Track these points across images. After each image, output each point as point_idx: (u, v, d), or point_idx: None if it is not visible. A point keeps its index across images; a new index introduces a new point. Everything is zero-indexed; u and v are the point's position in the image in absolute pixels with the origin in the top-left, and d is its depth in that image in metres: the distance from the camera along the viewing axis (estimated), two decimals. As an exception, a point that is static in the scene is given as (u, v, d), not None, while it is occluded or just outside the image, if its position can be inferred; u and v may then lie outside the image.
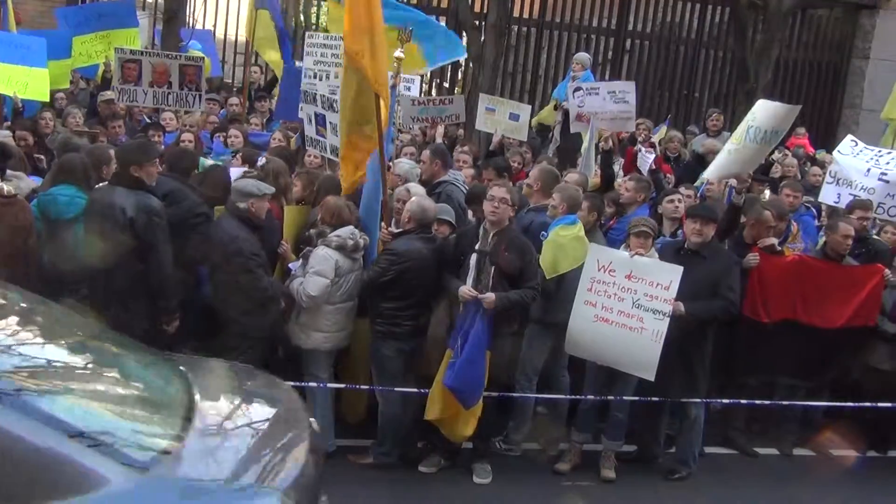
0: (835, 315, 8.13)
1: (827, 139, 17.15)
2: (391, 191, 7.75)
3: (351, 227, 7.22)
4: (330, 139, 9.62)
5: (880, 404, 8.11)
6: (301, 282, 7.04)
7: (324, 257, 7.05)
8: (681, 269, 7.09)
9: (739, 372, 8.19)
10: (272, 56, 12.70)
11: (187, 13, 13.83)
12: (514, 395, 7.46)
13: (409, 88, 10.21)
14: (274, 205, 7.75)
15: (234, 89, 14.35)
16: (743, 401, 8.04)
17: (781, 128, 8.10)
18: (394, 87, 8.19)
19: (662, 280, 7.06)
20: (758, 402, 8.13)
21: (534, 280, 6.95)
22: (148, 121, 11.07)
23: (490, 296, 6.76)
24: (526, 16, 18.17)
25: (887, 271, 8.21)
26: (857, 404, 8.26)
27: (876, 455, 8.66)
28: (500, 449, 7.70)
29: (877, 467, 8.45)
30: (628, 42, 18.26)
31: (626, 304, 7.12)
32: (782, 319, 8.05)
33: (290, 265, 7.24)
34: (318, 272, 7.02)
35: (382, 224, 7.48)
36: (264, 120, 12.28)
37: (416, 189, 7.79)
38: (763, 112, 8.09)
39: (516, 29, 17.91)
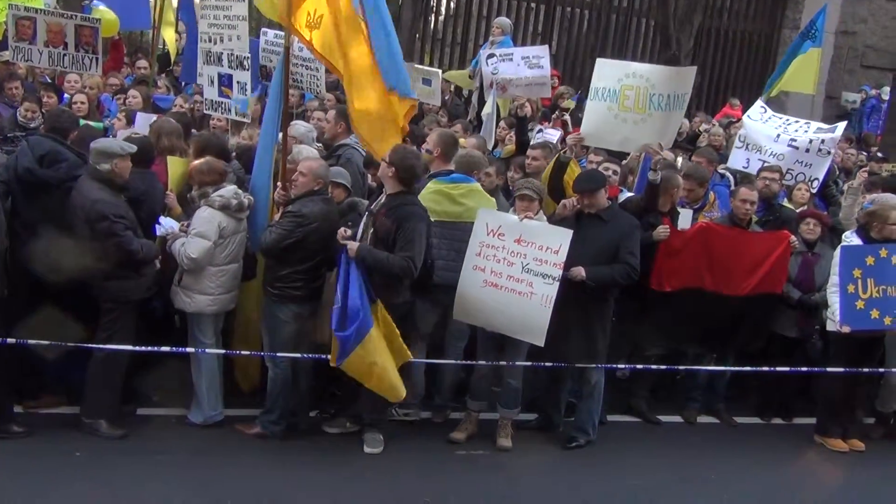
0: (741, 283, 8.06)
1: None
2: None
3: (234, 187, 7.00)
4: (237, 97, 9.37)
5: (779, 369, 8.11)
6: (183, 243, 6.82)
7: (207, 219, 6.85)
8: (570, 232, 6.94)
9: (646, 340, 8.11)
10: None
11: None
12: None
13: (301, 49, 9.91)
14: (160, 166, 7.51)
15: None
16: (639, 366, 7.97)
17: (682, 91, 7.96)
18: (288, 47, 7.91)
19: (552, 244, 6.90)
20: (654, 367, 8.05)
21: (408, 251, 6.64)
22: (49, 81, 10.65)
23: (353, 243, 6.59)
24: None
25: (793, 238, 8.15)
26: (756, 369, 8.24)
27: (781, 423, 8.64)
28: (396, 415, 7.54)
29: (781, 435, 8.43)
30: (559, 10, 18.05)
31: (515, 269, 6.95)
32: (688, 288, 7.95)
33: (160, 220, 6.94)
34: (200, 233, 6.82)
35: (278, 185, 7.23)
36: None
37: (310, 151, 7.56)
38: (658, 77, 7.95)
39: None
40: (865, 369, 7.96)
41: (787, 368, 8.06)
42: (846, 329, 7.71)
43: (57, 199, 6.62)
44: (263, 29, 11.55)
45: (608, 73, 8.08)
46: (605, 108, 8.01)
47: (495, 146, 10.81)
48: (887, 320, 7.63)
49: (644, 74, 8.02)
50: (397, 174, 6.78)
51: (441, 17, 19.08)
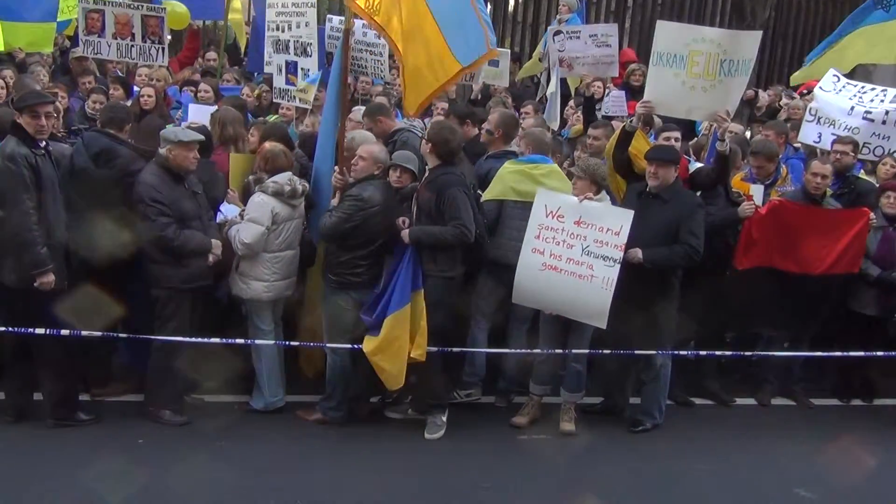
0: (817, 261, 7.80)
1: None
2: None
3: (289, 174, 7.03)
4: (300, 85, 9.43)
5: (852, 353, 7.73)
6: (237, 229, 6.88)
7: (259, 204, 6.90)
8: (631, 213, 6.78)
9: (720, 324, 7.89)
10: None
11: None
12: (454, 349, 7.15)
13: (365, 34, 9.90)
14: (223, 155, 7.59)
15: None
16: (702, 352, 7.72)
17: (749, 56, 7.66)
18: (348, 30, 7.91)
19: (613, 225, 6.75)
20: (717, 353, 7.81)
21: (457, 218, 6.62)
22: (121, 75, 10.88)
23: (405, 230, 6.66)
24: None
25: (872, 215, 7.83)
26: (829, 353, 7.90)
27: (861, 404, 8.33)
28: (459, 398, 7.48)
29: (861, 417, 8.13)
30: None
31: (575, 252, 6.81)
32: (761, 267, 7.71)
33: (220, 208, 7.02)
34: (253, 219, 6.87)
35: (336, 169, 7.23)
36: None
37: (366, 135, 7.54)
38: (730, 42, 7.65)
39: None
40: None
41: (861, 353, 7.69)
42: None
43: (115, 195, 6.71)
44: (329, 16, 11.60)
45: (673, 37, 7.74)
46: (671, 75, 7.69)
47: (563, 126, 10.66)
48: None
49: (715, 39, 7.69)
50: (435, 149, 6.81)
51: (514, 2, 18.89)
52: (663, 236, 7.04)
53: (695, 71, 7.63)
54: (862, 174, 8.81)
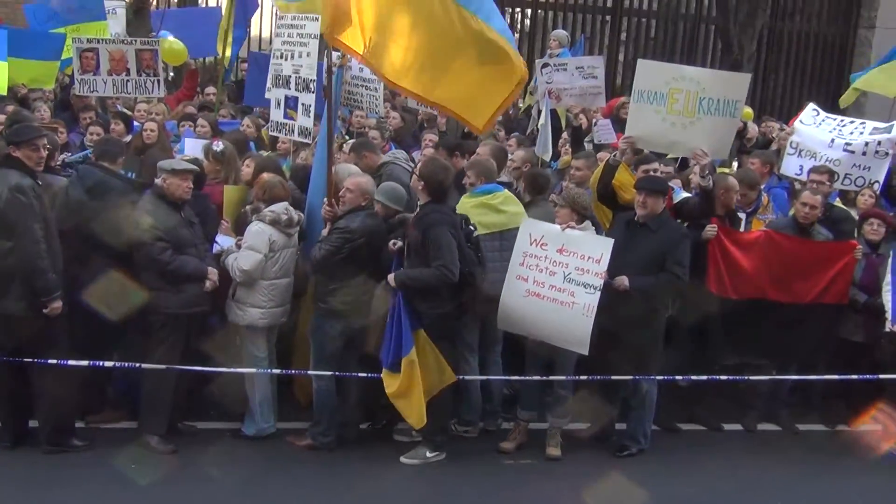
0: (804, 291, 7.95)
1: (835, 113, 16.72)
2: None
3: (285, 203, 7.23)
4: (301, 121, 9.58)
5: (829, 377, 7.91)
6: (235, 257, 7.07)
7: (257, 232, 7.09)
8: (611, 241, 6.96)
9: (713, 353, 8.02)
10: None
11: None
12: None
13: (361, 69, 10.09)
14: (216, 187, 7.78)
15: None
16: (678, 377, 7.76)
17: (735, 97, 7.79)
18: (340, 67, 8.13)
19: (594, 253, 6.92)
20: (695, 377, 7.79)
21: (439, 259, 6.73)
22: (121, 110, 11.08)
23: (391, 275, 6.82)
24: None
25: (859, 247, 7.99)
26: (811, 377, 8.06)
27: (847, 429, 8.41)
28: (456, 431, 7.61)
29: (847, 442, 8.19)
30: (626, 21, 18.01)
31: (557, 279, 6.97)
32: (751, 299, 7.87)
33: (217, 239, 7.21)
34: (252, 247, 7.06)
35: (325, 201, 7.41)
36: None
37: (348, 167, 7.73)
38: (709, 81, 7.80)
39: (509, 11, 17.78)
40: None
41: (832, 376, 7.86)
42: (897, 328, 7.52)
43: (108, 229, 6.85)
44: (327, 50, 11.79)
45: (654, 75, 7.95)
46: (651, 111, 7.88)
47: (555, 157, 10.83)
48: (944, 319, 7.40)
49: (694, 78, 7.90)
50: (426, 187, 6.95)
51: (516, 35, 19.18)
52: (650, 265, 7.20)
53: (675, 108, 7.79)
54: (838, 202, 8.97)
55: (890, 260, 7.74)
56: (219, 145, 8.12)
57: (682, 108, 7.81)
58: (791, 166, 9.42)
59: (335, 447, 7.19)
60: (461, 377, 7.19)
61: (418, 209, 7.06)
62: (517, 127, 12.53)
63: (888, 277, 7.72)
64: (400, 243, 7.00)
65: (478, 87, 7.27)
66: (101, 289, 6.66)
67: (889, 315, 7.60)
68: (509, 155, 8.81)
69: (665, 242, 7.28)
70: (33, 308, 6.43)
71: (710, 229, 7.76)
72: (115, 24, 12.66)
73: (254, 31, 16.39)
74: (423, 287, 6.79)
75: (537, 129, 11.55)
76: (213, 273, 7.01)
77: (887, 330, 7.67)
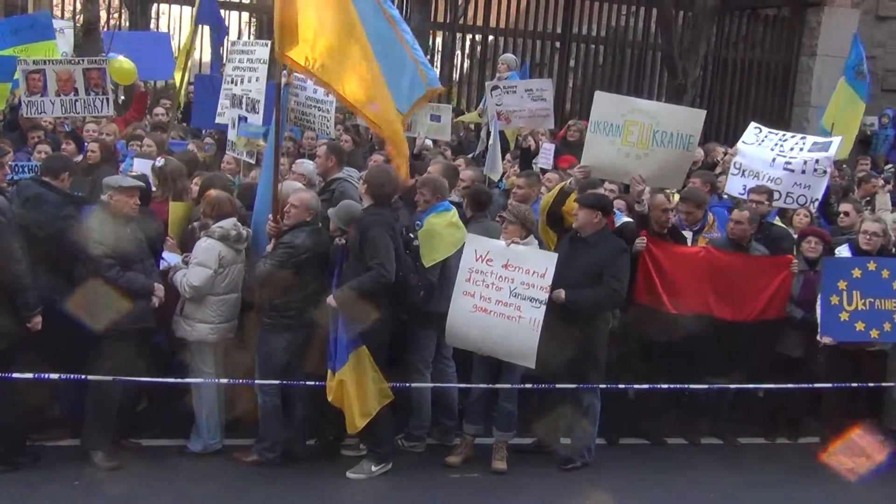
0: (746, 307, 8.15)
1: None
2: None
3: (233, 219, 7.28)
4: (243, 140, 9.65)
5: (764, 386, 8.15)
6: (184, 273, 7.09)
7: (207, 248, 7.13)
8: (555, 256, 7.11)
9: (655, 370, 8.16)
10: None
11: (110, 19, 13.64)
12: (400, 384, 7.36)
13: (315, 91, 10.19)
14: (163, 205, 7.79)
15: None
16: (621, 385, 7.91)
17: (689, 132, 8.13)
18: (287, 85, 8.22)
19: (538, 268, 7.05)
20: (637, 386, 8.00)
21: (375, 257, 6.83)
22: (70, 129, 11.03)
23: (330, 297, 6.85)
24: (471, 23, 18.34)
25: (795, 261, 8.20)
26: (749, 386, 8.22)
27: (787, 442, 8.60)
28: (403, 447, 7.66)
29: (787, 454, 8.38)
30: (574, 47, 18.33)
31: (503, 294, 7.10)
32: (695, 314, 8.02)
33: (163, 255, 7.24)
34: (201, 262, 7.10)
35: (269, 217, 7.46)
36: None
37: (295, 185, 7.80)
38: (664, 115, 8.15)
39: (461, 36, 18.05)
40: (856, 385, 7.92)
41: (771, 385, 8.08)
42: (827, 340, 7.78)
43: (50, 237, 6.89)
44: (284, 72, 11.87)
45: (610, 107, 8.23)
46: (607, 142, 8.15)
47: (502, 177, 10.99)
48: (874, 333, 7.65)
49: (649, 111, 8.23)
50: (370, 190, 7.11)
51: (468, 62, 19.46)
52: (587, 278, 7.34)
53: (629, 139, 8.10)
54: (777, 220, 9.19)
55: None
56: (160, 161, 8.17)
57: (637, 139, 8.13)
58: (735, 186, 9.65)
59: (282, 463, 7.19)
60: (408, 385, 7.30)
61: (365, 211, 7.14)
62: (468, 148, 12.71)
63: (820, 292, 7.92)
64: (344, 240, 7.11)
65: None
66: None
67: (819, 328, 7.82)
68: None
69: (602, 256, 7.42)
70: (9, 326, 6.48)
71: (640, 242, 7.95)
72: (63, 44, 12.61)
73: (196, 55, 16.44)
74: (363, 295, 6.81)
75: (486, 150, 11.76)
76: (159, 289, 7.03)
77: (819, 341, 7.86)
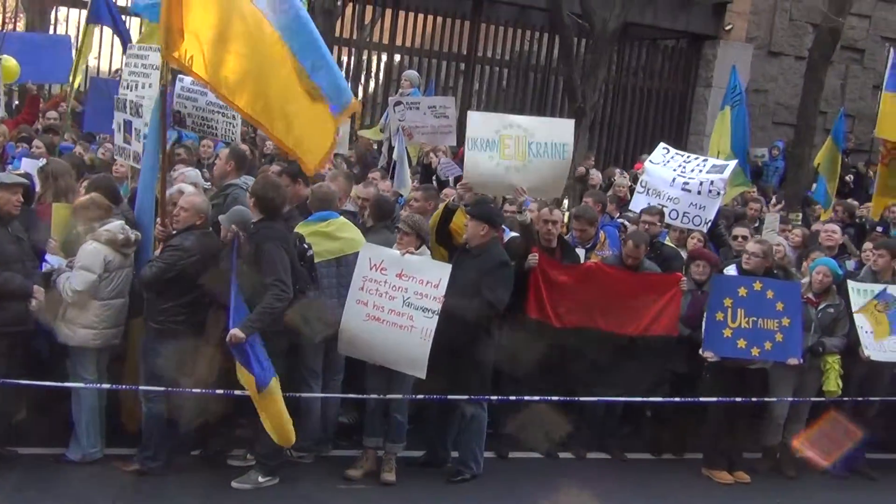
0: (633, 322, 8.28)
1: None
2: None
3: (121, 223, 7.11)
4: (134, 146, 9.43)
5: (651, 400, 8.31)
6: (67, 277, 6.90)
7: (92, 252, 6.95)
8: (449, 267, 7.15)
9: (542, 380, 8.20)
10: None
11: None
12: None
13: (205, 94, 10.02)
14: (47, 206, 7.58)
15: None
16: (512, 398, 7.91)
17: (562, 140, 8.41)
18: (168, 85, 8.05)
19: (432, 278, 7.08)
20: (527, 398, 7.95)
21: (273, 274, 6.73)
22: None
23: (233, 331, 6.60)
24: (377, 41, 18.44)
25: (683, 279, 8.39)
26: (637, 399, 8.36)
27: (672, 458, 8.77)
28: (291, 457, 7.54)
29: (671, 469, 8.55)
30: (478, 69, 18.58)
31: (396, 303, 7.09)
32: (581, 328, 8.15)
33: (46, 257, 7.03)
34: (85, 266, 6.92)
35: (157, 221, 7.33)
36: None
37: (188, 188, 7.67)
38: (535, 127, 8.43)
39: (366, 53, 18.13)
40: (739, 399, 8.06)
41: (657, 399, 8.25)
42: (709, 355, 7.99)
43: None
44: (180, 76, 11.67)
45: (484, 125, 8.48)
46: (485, 157, 8.34)
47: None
48: (755, 351, 7.87)
49: (521, 125, 8.49)
50: (258, 203, 6.97)
51: (374, 83, 19.52)
52: (467, 289, 7.34)
53: (507, 153, 8.31)
54: (667, 240, 9.43)
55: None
56: (43, 161, 7.97)
57: (514, 152, 8.36)
58: (639, 204, 9.84)
59: (166, 472, 7.03)
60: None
61: (251, 226, 7.01)
62: (374, 162, 12.70)
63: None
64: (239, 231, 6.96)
65: (309, 126, 7.30)
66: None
67: (703, 342, 8.05)
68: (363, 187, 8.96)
69: (483, 268, 7.48)
70: None
71: (532, 258, 8.05)
72: (-48, 46, 12.17)
73: (92, 62, 16.14)
74: (269, 320, 6.72)
75: (388, 165, 11.78)
76: (38, 292, 6.81)
77: (702, 356, 8.07)
